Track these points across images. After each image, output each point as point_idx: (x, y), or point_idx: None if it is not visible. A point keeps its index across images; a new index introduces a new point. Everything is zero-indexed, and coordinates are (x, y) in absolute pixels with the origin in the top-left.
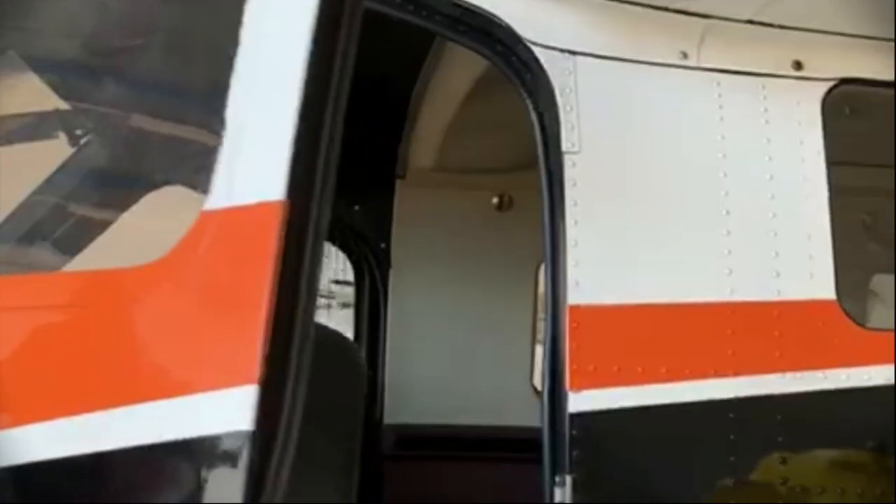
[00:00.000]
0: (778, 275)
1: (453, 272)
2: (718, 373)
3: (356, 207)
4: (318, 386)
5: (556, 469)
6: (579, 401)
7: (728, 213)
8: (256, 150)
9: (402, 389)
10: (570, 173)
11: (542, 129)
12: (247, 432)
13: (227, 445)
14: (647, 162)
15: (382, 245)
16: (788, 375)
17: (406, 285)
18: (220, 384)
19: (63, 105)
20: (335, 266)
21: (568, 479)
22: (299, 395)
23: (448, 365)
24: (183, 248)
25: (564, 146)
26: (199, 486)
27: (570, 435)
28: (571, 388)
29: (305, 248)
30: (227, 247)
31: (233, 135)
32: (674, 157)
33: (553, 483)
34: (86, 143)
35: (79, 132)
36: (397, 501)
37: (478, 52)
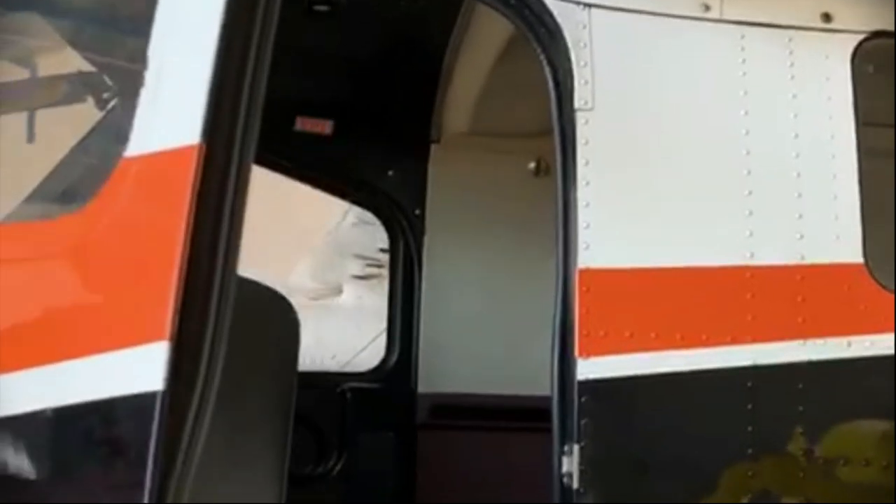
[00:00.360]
0: (802, 237)
1: (489, 238)
2: (736, 339)
3: (390, 173)
4: (245, 342)
5: (564, 438)
6: (589, 368)
7: (749, 172)
8: (174, 94)
9: (436, 358)
10: (582, 131)
11: (556, 84)
12: (157, 393)
13: (136, 407)
14: (664, 119)
15: (417, 211)
16: (811, 342)
17: (441, 252)
18: (130, 341)
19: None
20: (383, 234)
21: (576, 448)
22: (218, 352)
23: (483, 332)
24: (102, 197)
25: (577, 103)
26: (108, 452)
27: (579, 403)
28: (580, 354)
29: (225, 196)
30: (145, 195)
31: (152, 77)
32: (693, 115)
33: (561, 452)
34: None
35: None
36: (432, 472)
37: (491, 6)
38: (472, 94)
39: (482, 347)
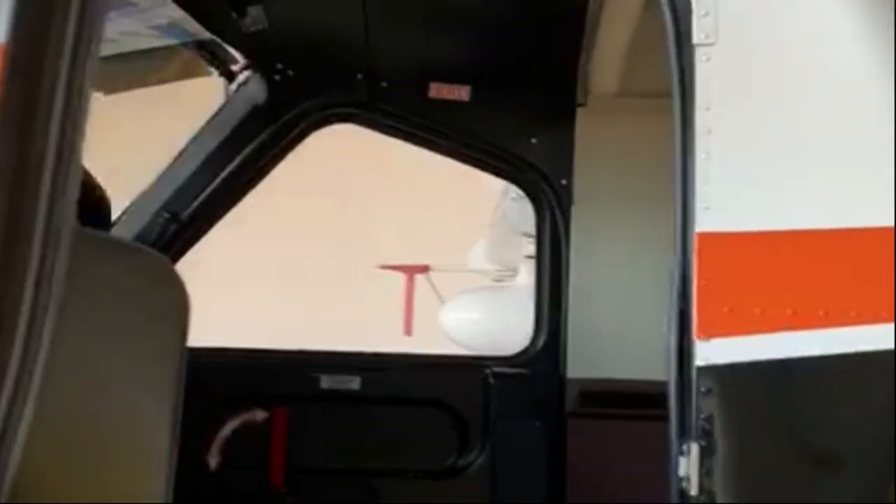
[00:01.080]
0: None
1: (643, 209)
2: (892, 317)
3: (533, 140)
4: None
5: (681, 435)
6: (710, 351)
7: None
8: None
9: (586, 340)
10: (702, 70)
11: (673, 13)
12: None
13: None
14: (797, 57)
15: (563, 181)
16: None
17: (590, 225)
18: None
19: None
20: None
21: (694, 447)
22: (39, 325)
23: (637, 312)
24: None
25: (696, 37)
26: None
27: (698, 393)
28: (700, 335)
29: (37, 109)
30: None
31: None
32: (832, 53)
33: (679, 452)
34: None
35: None
36: (582, 464)
37: None
38: (620, 50)
39: (636, 328)
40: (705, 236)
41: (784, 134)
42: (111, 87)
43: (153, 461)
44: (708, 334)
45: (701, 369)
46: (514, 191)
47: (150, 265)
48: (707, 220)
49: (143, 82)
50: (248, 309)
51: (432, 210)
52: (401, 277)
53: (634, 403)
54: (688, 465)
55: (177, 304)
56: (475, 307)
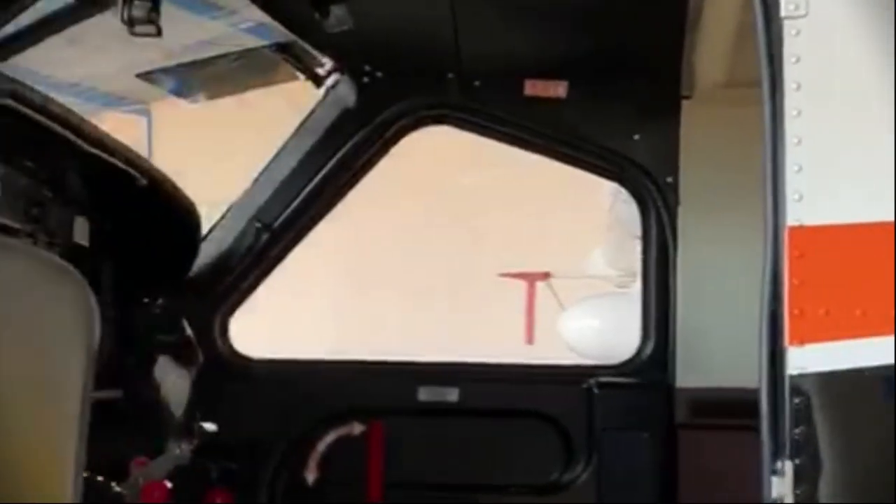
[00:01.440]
0: None
1: (753, 208)
2: None
3: (636, 137)
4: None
5: (774, 452)
6: (804, 358)
7: None
8: None
9: (696, 347)
10: (791, 45)
11: None
12: None
13: None
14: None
15: (669, 179)
16: None
17: (698, 225)
18: None
19: None
20: None
21: (788, 466)
22: None
23: (748, 317)
24: None
25: (785, 9)
26: None
27: (792, 405)
28: (793, 341)
29: None
30: None
31: None
32: None
33: (772, 471)
34: None
35: None
36: (693, 478)
37: None
38: (727, 35)
39: (748, 334)
40: (797, 230)
41: (882, 115)
42: (202, 95)
43: (57, 467)
44: (802, 340)
45: (794, 378)
46: (625, 192)
47: (49, 269)
48: (799, 211)
49: (231, 90)
50: (368, 318)
51: (550, 215)
52: (521, 285)
53: (748, 414)
54: (782, 486)
55: (80, 309)
56: (595, 314)
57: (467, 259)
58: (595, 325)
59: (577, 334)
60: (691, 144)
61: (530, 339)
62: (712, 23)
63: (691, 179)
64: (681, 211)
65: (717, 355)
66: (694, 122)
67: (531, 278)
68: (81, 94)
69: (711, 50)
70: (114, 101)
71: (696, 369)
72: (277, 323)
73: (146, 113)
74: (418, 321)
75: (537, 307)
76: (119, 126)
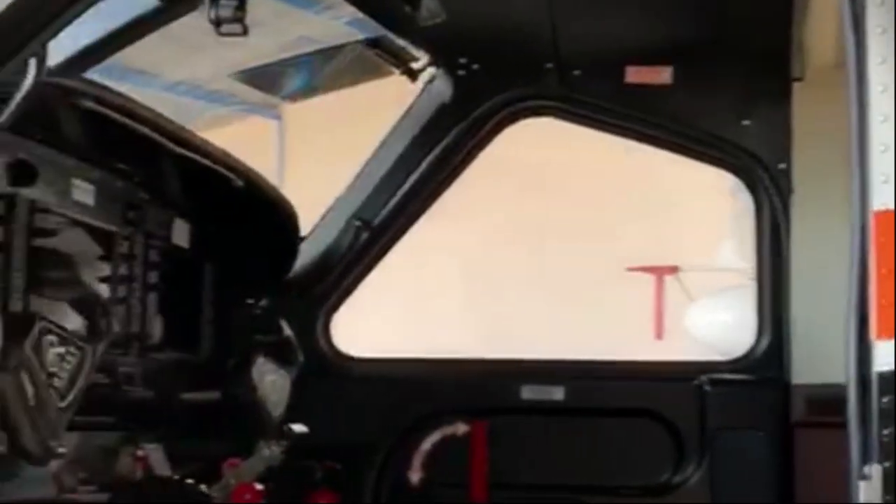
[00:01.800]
0: None
1: None
2: None
3: (745, 122)
4: None
5: (862, 455)
6: (891, 353)
7: None
8: None
9: (812, 342)
10: (875, 15)
11: None
12: None
13: None
14: None
15: (781, 165)
16: None
17: (812, 213)
18: None
19: None
20: None
21: (877, 470)
22: None
23: None
24: None
25: None
26: None
27: (880, 404)
28: (880, 334)
29: None
30: None
31: None
32: None
33: (860, 475)
34: None
35: None
36: (812, 479)
37: None
38: (839, 12)
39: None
40: (883, 215)
41: None
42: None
43: None
44: (890, 333)
45: (883, 376)
46: None
47: None
48: (886, 194)
49: (327, 87)
50: (500, 318)
51: (677, 206)
52: (650, 279)
53: None
54: (871, 492)
55: None
56: (724, 307)
57: (594, 253)
58: (724, 319)
59: (704, 329)
60: (804, 129)
61: (659, 335)
62: (822, 1)
63: (805, 165)
64: (794, 199)
65: (834, 350)
66: (806, 106)
67: (659, 272)
68: (208, 96)
69: (822, 28)
70: (240, 104)
71: (813, 365)
72: (409, 324)
73: (277, 117)
74: (549, 319)
75: (668, 301)
76: (251, 130)
